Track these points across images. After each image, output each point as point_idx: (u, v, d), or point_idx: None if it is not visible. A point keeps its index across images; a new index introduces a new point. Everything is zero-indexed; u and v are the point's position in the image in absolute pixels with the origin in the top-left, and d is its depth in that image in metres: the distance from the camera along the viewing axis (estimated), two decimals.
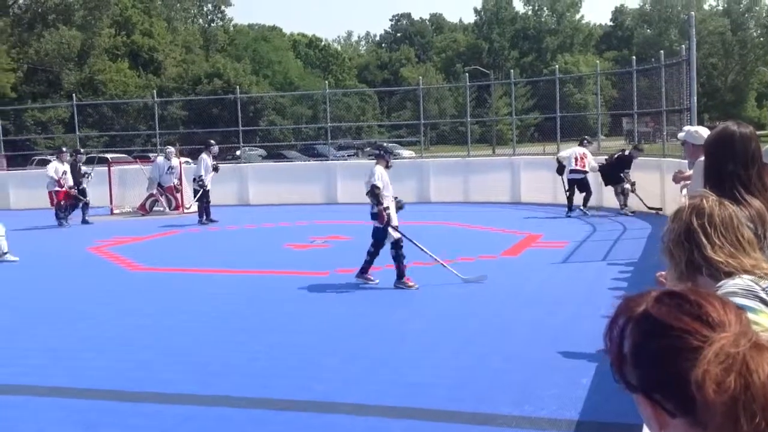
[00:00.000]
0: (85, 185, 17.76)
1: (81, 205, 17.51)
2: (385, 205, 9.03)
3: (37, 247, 12.64)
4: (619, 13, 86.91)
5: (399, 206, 9.38)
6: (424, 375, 5.71)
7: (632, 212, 15.48)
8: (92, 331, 7.38)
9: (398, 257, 8.99)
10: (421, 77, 33.63)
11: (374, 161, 9.80)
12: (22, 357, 6.51)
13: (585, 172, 16.13)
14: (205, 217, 16.59)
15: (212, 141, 17.66)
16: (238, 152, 28.42)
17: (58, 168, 17.02)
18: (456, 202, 19.21)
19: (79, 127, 25.20)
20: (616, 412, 4.55)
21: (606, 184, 16.02)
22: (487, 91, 41.20)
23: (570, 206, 15.90)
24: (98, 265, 11.60)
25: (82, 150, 19.67)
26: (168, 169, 18.84)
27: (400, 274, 9.02)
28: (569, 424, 4.68)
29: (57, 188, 16.90)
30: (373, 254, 9.16)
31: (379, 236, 9.12)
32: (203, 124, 44.47)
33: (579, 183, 16.10)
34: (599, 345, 4.47)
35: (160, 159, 19.36)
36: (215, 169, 17.03)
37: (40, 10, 52.64)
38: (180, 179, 19.05)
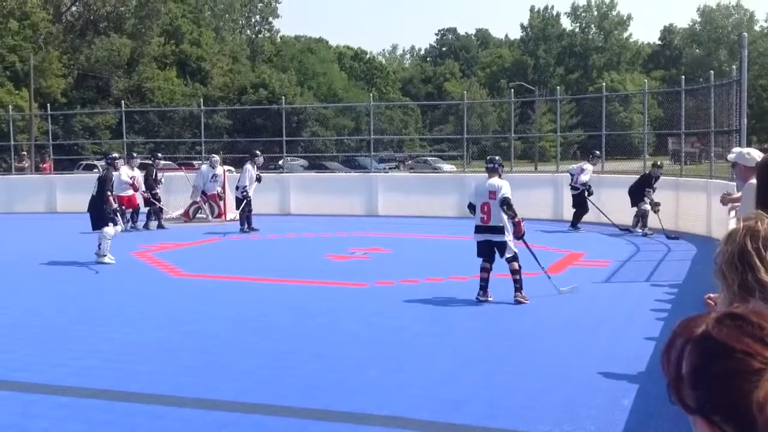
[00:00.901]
0: (158, 190, 18.09)
1: (154, 210, 17.82)
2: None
3: (84, 250, 12.82)
4: (668, 32, 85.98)
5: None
6: (461, 391, 5.68)
7: (650, 233, 15.19)
8: (139, 335, 7.50)
9: (519, 270, 8.76)
10: (465, 92, 33.59)
11: (488, 174, 9.49)
12: (72, 358, 6.64)
13: (577, 188, 16.41)
14: (246, 225, 16.73)
15: (258, 152, 17.85)
16: (280, 162, 28.64)
17: (128, 173, 17.25)
18: None
19: (126, 133, 25.62)
20: None
21: (632, 205, 15.79)
22: (531, 107, 41.03)
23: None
24: (143, 270, 11.77)
25: (160, 155, 19.99)
26: (212, 177, 19.05)
27: (519, 287, 8.75)
28: None
29: (128, 192, 17.09)
30: (519, 270, 8.76)
31: (509, 248, 8.80)
32: (247, 134, 44.93)
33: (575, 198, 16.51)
34: (641, 366, 4.44)
35: (205, 167, 19.58)
36: (258, 179, 17.19)
37: (92, 17, 53.78)
38: (223, 187, 19.26)
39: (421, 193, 20.10)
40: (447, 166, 35.55)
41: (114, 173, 13.72)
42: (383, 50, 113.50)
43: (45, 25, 47.73)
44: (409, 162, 45.16)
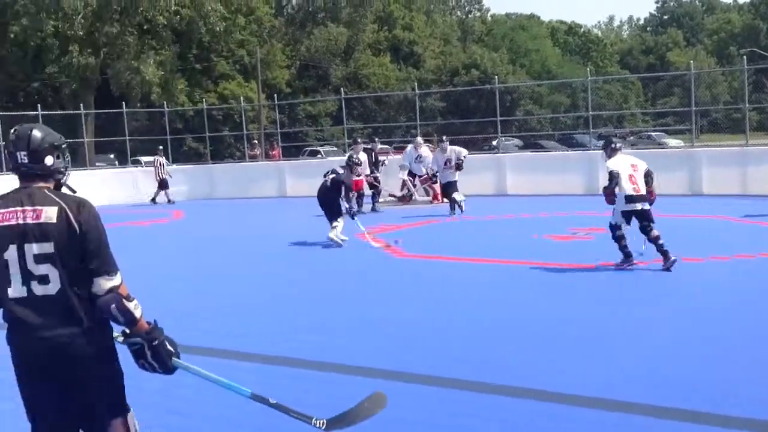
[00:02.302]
0: (378, 173, 18.72)
1: (374, 192, 18.48)
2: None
3: (310, 233, 13.44)
4: None
5: None
6: (726, 382, 5.24)
7: None
8: (364, 313, 7.71)
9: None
10: (691, 61, 31.49)
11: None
12: (300, 333, 6.95)
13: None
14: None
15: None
16: (494, 142, 28.43)
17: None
18: (732, 195, 17.71)
19: (345, 120, 26.62)
20: None
21: None
22: (766, 75, 37.72)
23: None
24: (367, 251, 12.11)
25: (376, 138, 20.74)
26: (416, 158, 19.22)
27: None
28: None
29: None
30: (659, 236, 9.21)
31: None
32: (461, 115, 45.16)
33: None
34: None
35: (409, 147, 19.89)
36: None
37: (310, 9, 56.36)
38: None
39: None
40: (673, 141, 33.56)
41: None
42: (599, 22, 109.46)
43: (268, 19, 50.65)
44: (631, 138, 43.16)
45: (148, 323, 3.27)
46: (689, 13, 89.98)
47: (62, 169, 3.28)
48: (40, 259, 3.06)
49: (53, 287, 3.07)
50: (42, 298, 3.06)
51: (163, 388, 4.85)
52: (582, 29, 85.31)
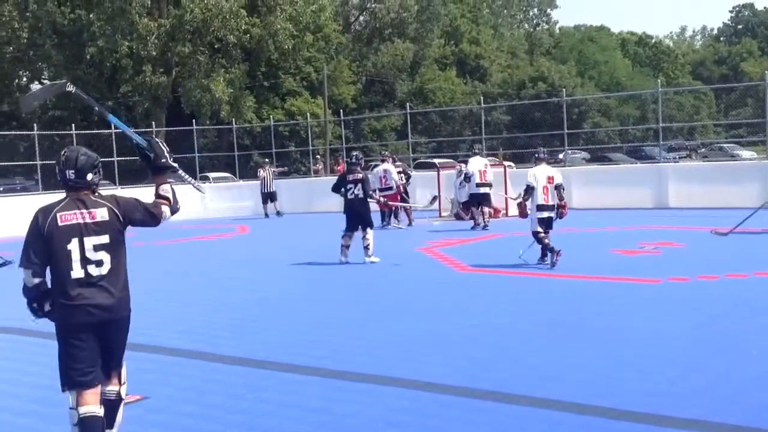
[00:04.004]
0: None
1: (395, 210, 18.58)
2: None
3: (377, 246, 13.46)
4: None
5: None
6: None
7: None
8: (430, 326, 7.67)
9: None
10: (766, 71, 30.57)
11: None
12: (371, 347, 6.95)
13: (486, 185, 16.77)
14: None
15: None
16: (561, 155, 28.09)
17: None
18: None
19: (410, 134, 26.65)
20: None
21: None
22: None
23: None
24: (430, 264, 12.10)
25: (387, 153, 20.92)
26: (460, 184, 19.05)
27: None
28: None
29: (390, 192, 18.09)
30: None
31: None
32: (526, 128, 44.78)
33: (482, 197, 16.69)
34: None
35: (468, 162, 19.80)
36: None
37: (377, 25, 56.79)
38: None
39: (717, 182, 18.57)
40: (746, 153, 32.58)
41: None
42: (670, 33, 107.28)
43: (336, 36, 51.22)
44: (702, 150, 42.06)
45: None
46: (764, 22, 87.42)
47: (97, 182, 4.28)
48: (98, 248, 4.14)
49: (105, 269, 4.17)
50: (97, 277, 4.14)
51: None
52: (653, 40, 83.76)
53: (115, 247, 4.21)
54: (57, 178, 4.24)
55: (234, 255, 15.32)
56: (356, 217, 12.40)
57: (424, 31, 57.64)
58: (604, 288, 9.41)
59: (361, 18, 59.34)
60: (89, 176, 4.20)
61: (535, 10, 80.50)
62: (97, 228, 4.15)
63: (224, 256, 15.09)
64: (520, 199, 11.10)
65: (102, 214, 4.17)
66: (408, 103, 36.47)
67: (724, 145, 42.29)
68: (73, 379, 4.19)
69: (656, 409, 4.94)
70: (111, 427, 4.37)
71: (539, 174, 10.94)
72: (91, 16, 35.92)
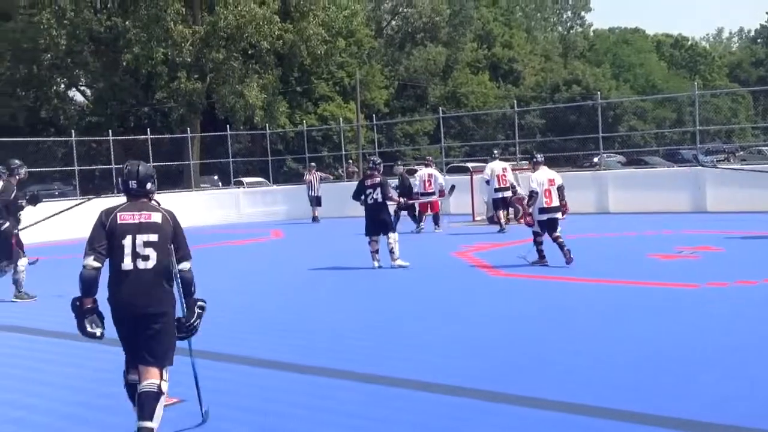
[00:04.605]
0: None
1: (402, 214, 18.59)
2: None
3: (412, 250, 13.40)
4: None
5: None
6: None
7: None
8: (460, 332, 7.62)
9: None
10: None
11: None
12: (398, 351, 6.94)
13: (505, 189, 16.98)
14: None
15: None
16: (595, 159, 27.83)
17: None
18: None
19: (443, 138, 26.56)
20: None
21: None
22: None
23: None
24: (463, 269, 12.03)
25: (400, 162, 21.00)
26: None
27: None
28: None
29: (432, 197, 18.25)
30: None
31: None
32: (560, 132, 44.44)
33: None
34: None
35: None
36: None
37: (409, 29, 56.76)
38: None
39: (756, 186, 18.23)
40: None
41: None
42: (707, 35, 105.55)
43: (368, 40, 51.28)
44: (741, 153, 41.37)
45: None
46: None
47: (154, 190, 4.99)
48: (147, 244, 4.71)
49: (151, 263, 4.71)
50: (143, 270, 4.70)
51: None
52: (689, 42, 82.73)
53: (162, 247, 4.75)
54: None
55: (270, 258, 15.41)
56: (377, 222, 12.44)
57: (457, 35, 57.50)
58: (640, 293, 9.27)
59: (393, 22, 59.38)
60: (148, 185, 4.91)
61: (569, 12, 79.94)
62: (149, 227, 4.76)
63: (262, 260, 15.18)
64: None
65: (156, 218, 4.82)
66: (441, 107, 36.38)
67: (764, 147, 41.57)
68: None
69: (691, 415, 4.86)
70: (150, 419, 4.57)
71: (540, 178, 11.30)
72: (126, 23, 36.31)
